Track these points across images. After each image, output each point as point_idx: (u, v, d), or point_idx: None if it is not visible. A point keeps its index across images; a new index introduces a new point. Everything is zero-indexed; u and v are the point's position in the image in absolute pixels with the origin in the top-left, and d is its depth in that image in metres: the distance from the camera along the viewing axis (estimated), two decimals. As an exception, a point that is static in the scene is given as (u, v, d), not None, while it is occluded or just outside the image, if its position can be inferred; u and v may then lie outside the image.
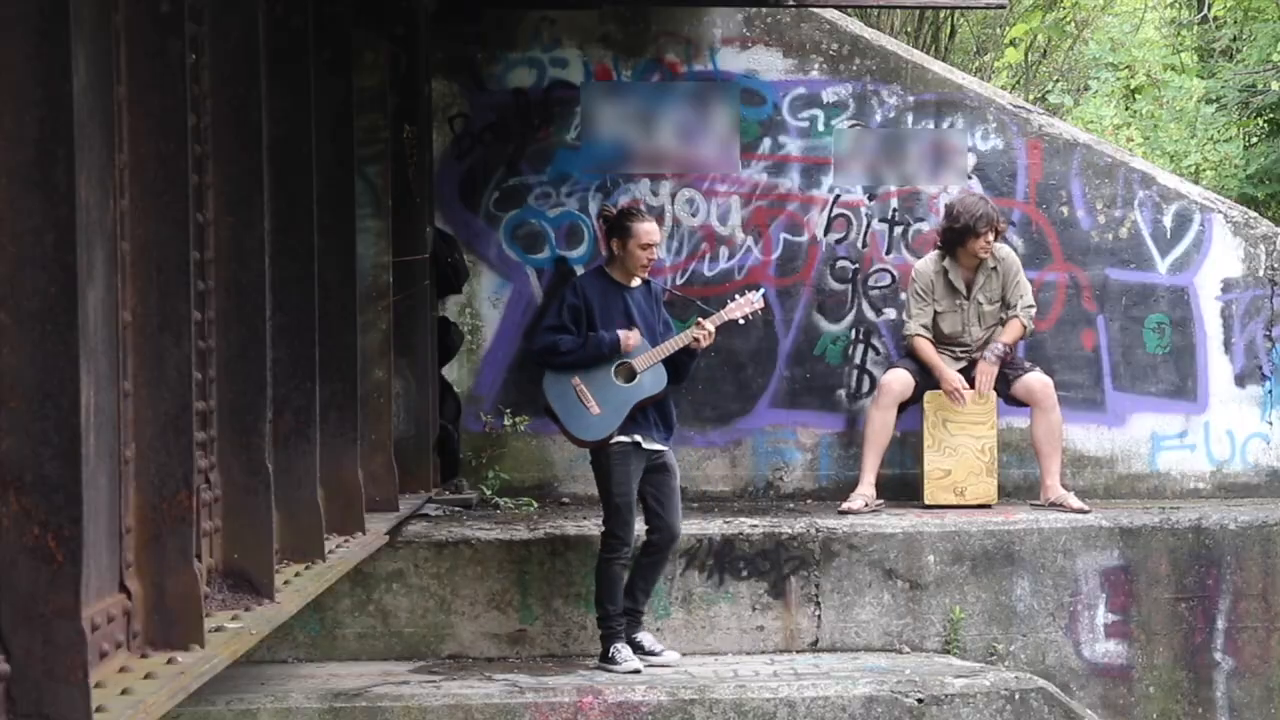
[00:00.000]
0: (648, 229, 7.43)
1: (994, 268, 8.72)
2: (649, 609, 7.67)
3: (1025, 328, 8.72)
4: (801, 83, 9.20)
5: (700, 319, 7.48)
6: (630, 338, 7.36)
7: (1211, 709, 8.24)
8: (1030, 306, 8.73)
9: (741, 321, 7.71)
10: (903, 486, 9.00)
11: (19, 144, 3.72)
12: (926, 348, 8.68)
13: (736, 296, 7.68)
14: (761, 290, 7.86)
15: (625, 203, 8.68)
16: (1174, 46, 17.15)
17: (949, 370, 8.63)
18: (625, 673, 7.27)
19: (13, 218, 3.73)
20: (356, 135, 7.14)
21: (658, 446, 7.44)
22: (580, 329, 7.38)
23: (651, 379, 7.38)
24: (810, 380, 9.20)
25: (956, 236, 8.65)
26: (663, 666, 7.45)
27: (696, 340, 7.39)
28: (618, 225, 7.45)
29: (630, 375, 7.36)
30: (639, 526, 7.55)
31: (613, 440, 7.35)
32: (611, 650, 7.38)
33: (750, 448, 9.22)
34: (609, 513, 7.42)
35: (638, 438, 7.38)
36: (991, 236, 8.60)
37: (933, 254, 8.83)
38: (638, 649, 7.47)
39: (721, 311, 7.57)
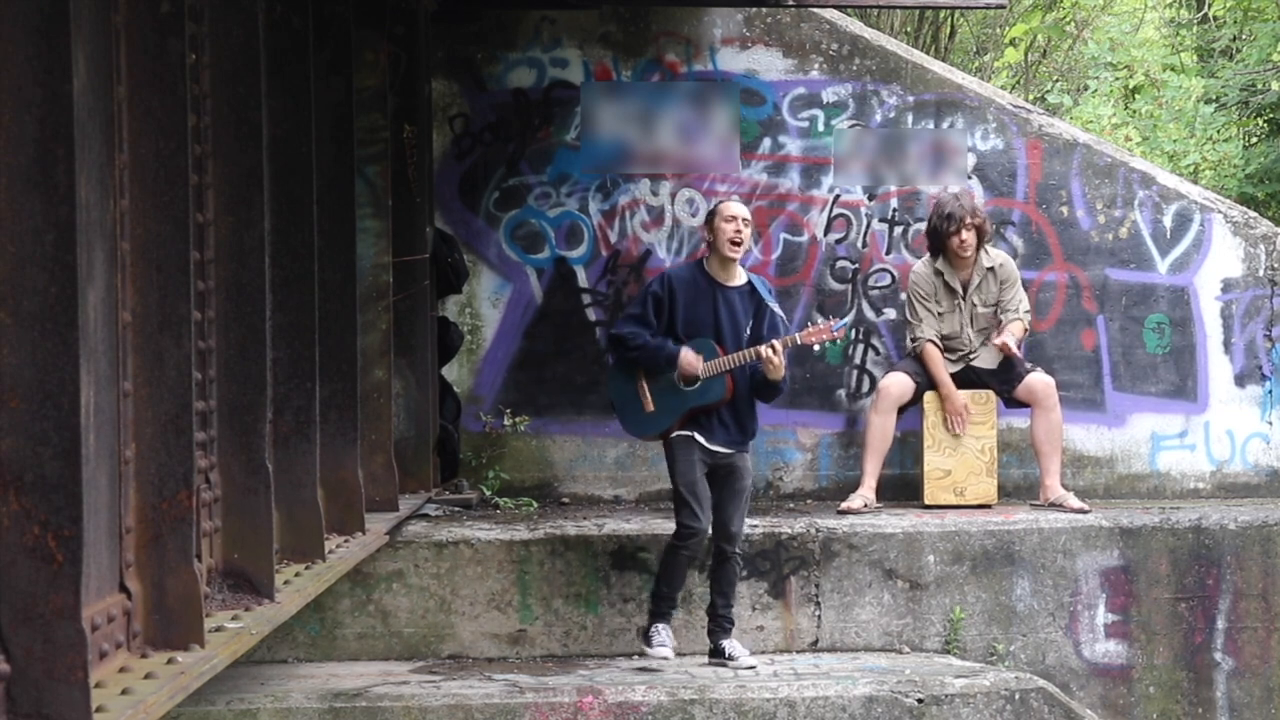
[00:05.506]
0: (731, 204, 7.57)
1: (990, 269, 8.71)
2: (725, 613, 7.52)
3: (1026, 329, 8.73)
4: (801, 83, 9.20)
5: (772, 340, 7.35)
6: (690, 364, 7.30)
7: (1211, 709, 8.25)
8: (1027, 312, 8.73)
9: (816, 348, 7.69)
10: (903, 486, 9.00)
11: (19, 144, 3.72)
12: (936, 357, 8.64)
13: (819, 320, 7.65)
14: (845, 321, 7.78)
15: None
16: (1173, 46, 17.15)
17: (955, 391, 8.61)
18: (656, 657, 7.41)
19: (13, 218, 3.72)
20: (356, 135, 7.15)
21: (722, 449, 7.45)
22: (660, 321, 7.41)
23: (713, 388, 7.37)
24: (810, 380, 9.20)
25: (935, 237, 8.68)
26: (740, 669, 7.41)
27: (759, 356, 7.27)
28: (710, 212, 7.59)
29: (693, 380, 7.38)
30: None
31: (673, 433, 7.42)
32: (651, 630, 7.51)
33: (750, 447, 9.19)
34: (675, 501, 7.49)
35: (696, 434, 7.41)
36: (966, 234, 8.53)
37: (926, 257, 8.83)
38: (719, 654, 7.50)
39: (796, 334, 7.46)
